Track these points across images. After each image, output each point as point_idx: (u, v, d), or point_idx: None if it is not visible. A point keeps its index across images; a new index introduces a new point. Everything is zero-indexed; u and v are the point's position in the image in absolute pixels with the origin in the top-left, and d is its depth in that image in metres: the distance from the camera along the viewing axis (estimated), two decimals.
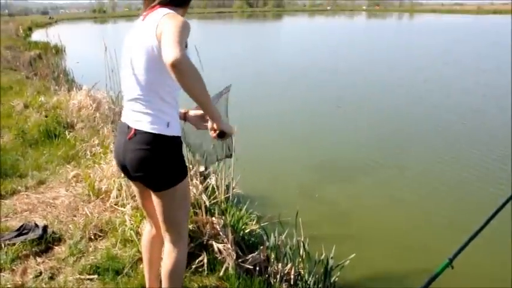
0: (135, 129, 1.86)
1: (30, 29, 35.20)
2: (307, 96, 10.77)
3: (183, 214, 2.09)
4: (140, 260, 2.85)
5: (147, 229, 2.33)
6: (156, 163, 1.86)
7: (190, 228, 3.00)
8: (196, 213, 3.20)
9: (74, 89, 7.57)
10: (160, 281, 2.20)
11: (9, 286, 2.65)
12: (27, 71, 12.22)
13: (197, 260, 2.85)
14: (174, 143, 1.88)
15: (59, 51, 17.47)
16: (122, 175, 3.63)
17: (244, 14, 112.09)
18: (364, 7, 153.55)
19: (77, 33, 27.54)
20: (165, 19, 1.71)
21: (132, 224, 3.14)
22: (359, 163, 6.23)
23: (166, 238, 2.12)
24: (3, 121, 6.08)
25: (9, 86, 9.05)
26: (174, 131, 1.87)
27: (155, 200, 2.00)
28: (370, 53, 20.35)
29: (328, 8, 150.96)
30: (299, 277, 3.15)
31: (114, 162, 3.77)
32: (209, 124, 1.85)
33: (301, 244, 3.23)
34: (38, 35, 28.13)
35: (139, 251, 2.94)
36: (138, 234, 3.05)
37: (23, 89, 8.50)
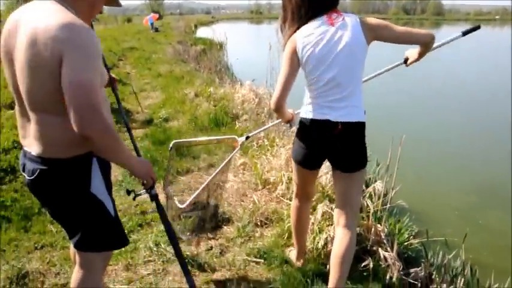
0: (343, 122, 2.13)
1: (195, 27, 38.65)
2: (473, 116, 9.90)
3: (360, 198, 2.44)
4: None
5: (303, 204, 2.66)
6: (362, 147, 2.28)
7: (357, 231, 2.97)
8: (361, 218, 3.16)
9: (238, 83, 8.06)
10: None
11: (187, 253, 2.91)
12: (195, 63, 13.41)
13: (363, 264, 2.80)
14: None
15: (221, 47, 18.84)
16: (290, 169, 3.75)
17: (399, 21, 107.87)
18: None
19: (234, 32, 29.37)
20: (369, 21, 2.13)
21: None
22: None
23: (343, 222, 2.35)
24: (179, 106, 6.74)
25: (181, 76, 10.00)
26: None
27: (346, 182, 2.33)
28: None
29: (497, 17, 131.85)
30: None
31: (282, 156, 3.92)
32: None
33: (469, 268, 2.99)
34: (202, 32, 30.72)
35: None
36: None
37: (193, 80, 9.30)
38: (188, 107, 6.59)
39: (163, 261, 2.89)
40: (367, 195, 3.62)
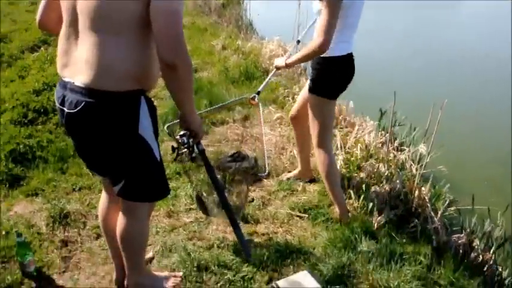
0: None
1: None
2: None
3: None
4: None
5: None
6: None
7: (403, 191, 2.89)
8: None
9: (265, 38, 7.82)
10: None
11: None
12: (216, 17, 13.05)
13: (410, 225, 2.72)
14: None
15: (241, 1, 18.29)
16: None
17: None
18: None
19: None
20: None
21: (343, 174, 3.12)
22: None
23: None
24: (206, 57, 6.56)
25: (204, 28, 9.73)
26: None
27: None
28: None
29: None
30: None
31: None
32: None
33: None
34: None
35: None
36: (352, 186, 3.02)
37: (217, 32, 9.04)
38: (217, 59, 6.40)
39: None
40: (409, 156, 3.51)
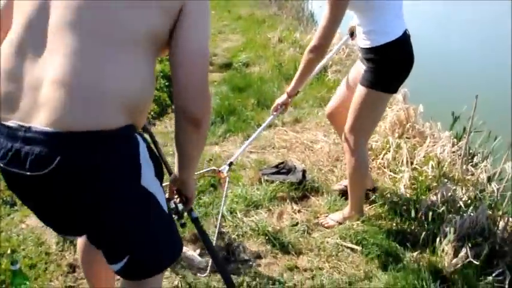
0: None
1: None
2: None
3: None
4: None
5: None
6: None
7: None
8: None
9: None
10: None
11: (269, 229, 2.38)
12: (276, 8, 12.60)
13: (495, 270, 2.12)
14: None
15: None
16: (397, 134, 3.07)
17: None
18: None
19: None
20: None
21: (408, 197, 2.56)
22: None
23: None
24: (260, 51, 6.12)
25: (262, 20, 9.30)
26: None
27: None
28: None
29: None
30: None
31: (388, 119, 3.23)
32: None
33: None
34: None
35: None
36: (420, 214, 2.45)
37: (275, 24, 8.58)
38: (271, 53, 5.94)
39: (238, 235, 2.39)
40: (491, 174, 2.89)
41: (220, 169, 2.43)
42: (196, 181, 1.39)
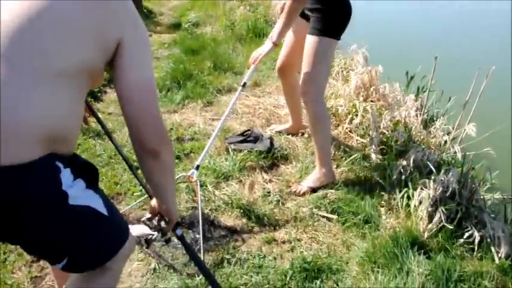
0: None
1: None
2: None
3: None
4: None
5: None
6: None
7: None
8: None
9: None
10: None
11: (242, 202, 2.29)
12: None
13: (465, 233, 2.18)
14: None
15: None
16: (362, 97, 3.04)
17: None
18: None
19: None
20: None
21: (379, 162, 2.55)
22: None
23: None
24: (210, 9, 5.84)
25: None
26: None
27: None
28: None
29: None
30: None
31: (353, 83, 3.18)
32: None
33: None
34: None
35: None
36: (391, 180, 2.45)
37: None
38: (221, 11, 5.69)
39: (211, 209, 2.29)
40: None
41: (189, 174, 2.28)
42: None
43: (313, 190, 2.46)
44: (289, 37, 2.66)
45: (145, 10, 5.79)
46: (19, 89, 0.94)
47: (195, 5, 6.16)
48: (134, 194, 2.39)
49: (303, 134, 2.97)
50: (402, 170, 2.43)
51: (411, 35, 6.61)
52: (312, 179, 2.48)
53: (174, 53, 4.31)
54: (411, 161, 2.43)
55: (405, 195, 2.31)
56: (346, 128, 2.95)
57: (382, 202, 2.38)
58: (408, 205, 2.29)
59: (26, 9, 0.97)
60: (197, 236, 2.08)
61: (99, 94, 3.55)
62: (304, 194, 2.44)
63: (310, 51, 2.33)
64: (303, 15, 2.43)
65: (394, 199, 2.35)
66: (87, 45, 1.03)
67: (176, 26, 5.38)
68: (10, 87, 0.93)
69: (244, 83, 2.52)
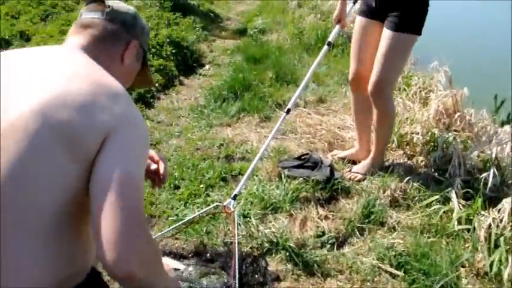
0: None
1: None
2: None
3: None
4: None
5: None
6: None
7: None
8: None
9: None
10: None
11: (290, 243, 1.93)
12: None
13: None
14: None
15: None
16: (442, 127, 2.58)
17: None
18: None
19: None
20: None
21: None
22: None
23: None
24: (278, 16, 5.55)
25: None
26: None
27: None
28: None
29: None
30: None
31: (433, 106, 2.72)
32: None
33: None
34: None
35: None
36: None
37: None
38: (290, 19, 5.37)
39: (252, 248, 1.94)
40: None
41: (225, 204, 1.95)
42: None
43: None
44: (361, 42, 2.41)
45: (211, 14, 5.63)
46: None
47: (263, 10, 5.90)
48: (169, 218, 2.11)
49: None
50: (492, 223, 1.95)
51: (498, 50, 5.92)
52: (363, 165, 2.47)
53: (235, 60, 4.04)
54: (506, 212, 1.94)
55: (496, 258, 1.84)
56: (421, 162, 2.49)
57: (464, 262, 1.91)
58: (500, 270, 1.81)
59: None
60: (231, 281, 1.74)
61: (152, 100, 3.34)
62: (359, 181, 2.40)
63: (390, 47, 2.24)
64: (376, 15, 2.30)
65: (481, 260, 1.88)
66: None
67: (242, 32, 5.13)
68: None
69: (330, 42, 2.49)
